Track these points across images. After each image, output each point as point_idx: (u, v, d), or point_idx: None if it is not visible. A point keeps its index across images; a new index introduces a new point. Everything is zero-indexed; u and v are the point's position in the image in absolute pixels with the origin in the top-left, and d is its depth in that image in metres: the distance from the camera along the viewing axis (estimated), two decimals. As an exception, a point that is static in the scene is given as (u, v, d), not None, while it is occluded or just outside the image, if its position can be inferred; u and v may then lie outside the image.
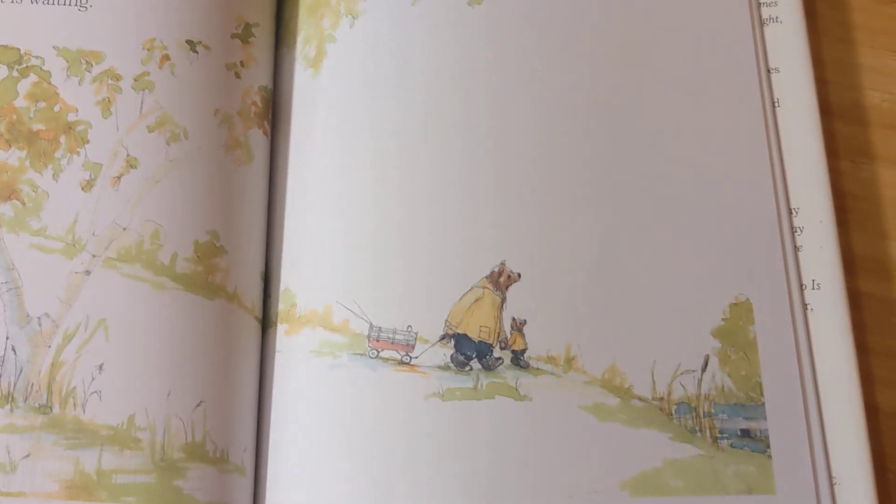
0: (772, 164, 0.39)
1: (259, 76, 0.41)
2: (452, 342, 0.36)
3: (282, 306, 0.38)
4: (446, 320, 0.36)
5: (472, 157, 0.38)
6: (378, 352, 0.36)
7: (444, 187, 0.38)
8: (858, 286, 0.40)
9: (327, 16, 0.41)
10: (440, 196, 0.38)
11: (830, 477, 0.35)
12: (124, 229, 0.37)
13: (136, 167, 0.37)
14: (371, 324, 0.36)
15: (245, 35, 0.41)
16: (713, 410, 0.35)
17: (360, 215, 0.38)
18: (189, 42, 0.39)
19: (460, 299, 0.36)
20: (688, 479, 0.34)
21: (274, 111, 0.42)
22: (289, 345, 0.37)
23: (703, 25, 0.41)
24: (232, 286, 0.37)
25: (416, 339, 0.36)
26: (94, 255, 0.36)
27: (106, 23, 0.39)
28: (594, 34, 0.40)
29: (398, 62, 0.40)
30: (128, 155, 0.38)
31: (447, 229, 0.37)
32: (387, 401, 0.35)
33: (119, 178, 0.37)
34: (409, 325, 0.36)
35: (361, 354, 0.36)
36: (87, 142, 0.38)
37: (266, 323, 0.38)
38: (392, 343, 0.36)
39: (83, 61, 0.39)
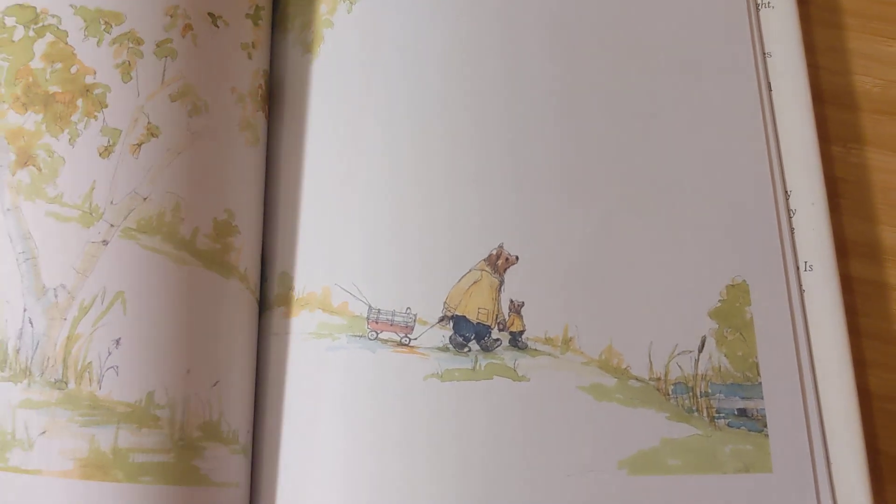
0: (768, 146, 0.39)
1: (264, 59, 0.41)
2: (451, 324, 0.36)
3: (279, 289, 0.38)
4: (445, 302, 0.36)
5: (471, 140, 0.38)
6: (377, 333, 0.36)
7: (443, 171, 0.38)
8: (849, 270, 0.41)
9: (324, 1, 0.41)
10: (438, 179, 0.38)
11: (827, 455, 0.35)
12: (145, 199, 0.36)
13: (157, 136, 0.36)
14: (370, 306, 0.36)
15: (255, 17, 0.41)
16: (710, 390, 0.36)
17: (357, 199, 0.38)
18: (211, 15, 0.39)
19: (459, 281, 0.36)
20: (685, 458, 0.35)
21: (271, 94, 0.42)
22: (286, 327, 0.37)
23: (700, 7, 0.41)
24: (243, 266, 0.37)
25: (415, 320, 0.36)
26: (112, 225, 0.35)
27: None
28: (594, 18, 0.41)
29: (396, 47, 0.40)
30: (149, 122, 0.36)
31: (445, 212, 0.37)
32: (386, 382, 0.35)
33: (139, 145, 0.36)
34: (408, 307, 0.36)
35: (361, 336, 0.36)
36: (106, 106, 0.36)
37: (263, 305, 0.38)
38: (391, 325, 0.36)
39: (102, 21, 0.37)
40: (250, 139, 0.39)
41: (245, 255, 0.37)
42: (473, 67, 0.40)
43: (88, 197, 0.35)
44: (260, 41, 0.41)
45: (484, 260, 0.37)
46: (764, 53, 0.41)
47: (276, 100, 0.42)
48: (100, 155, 0.36)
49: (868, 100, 0.43)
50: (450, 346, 0.36)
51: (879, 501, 0.36)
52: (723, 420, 0.35)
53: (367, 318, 0.36)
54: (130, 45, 0.37)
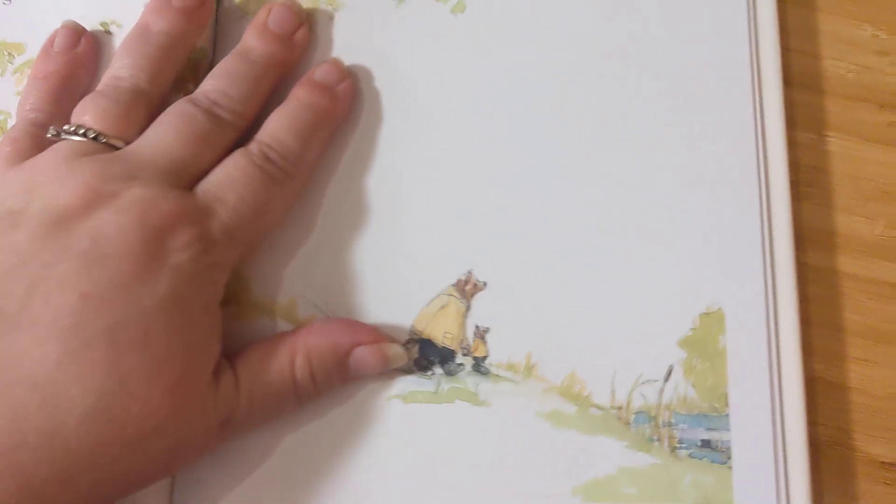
0: (759, 165, 0.38)
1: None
2: (417, 347, 0.37)
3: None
4: (412, 325, 0.37)
5: (444, 164, 0.39)
6: (343, 352, 0.37)
7: (415, 195, 0.39)
8: (837, 265, 0.40)
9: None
10: (410, 203, 0.39)
11: (788, 487, 0.34)
12: None
13: None
14: (337, 323, 0.37)
15: None
16: (673, 420, 0.36)
17: (330, 215, 0.39)
18: (103, 24, 0.40)
19: (427, 305, 0.37)
20: (641, 487, 0.35)
21: None
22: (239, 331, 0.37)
23: (696, 26, 0.40)
24: None
25: (381, 341, 0.37)
26: None
27: (27, 15, 0.40)
28: (575, 42, 0.40)
29: (369, 61, 0.41)
30: None
31: (416, 236, 0.38)
32: (349, 401, 0.36)
33: None
34: (376, 328, 0.37)
35: (326, 354, 0.37)
36: (5, 131, 0.38)
37: None
38: (358, 344, 0.37)
39: (6, 53, 0.40)
40: None
41: None
42: (448, 92, 0.40)
43: None
44: None
45: (453, 285, 0.37)
46: (760, 77, 0.40)
47: None
48: None
49: (841, 85, 0.42)
50: (414, 368, 0.37)
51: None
52: (685, 451, 0.35)
53: (335, 337, 0.37)
54: (29, 72, 0.39)
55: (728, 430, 0.35)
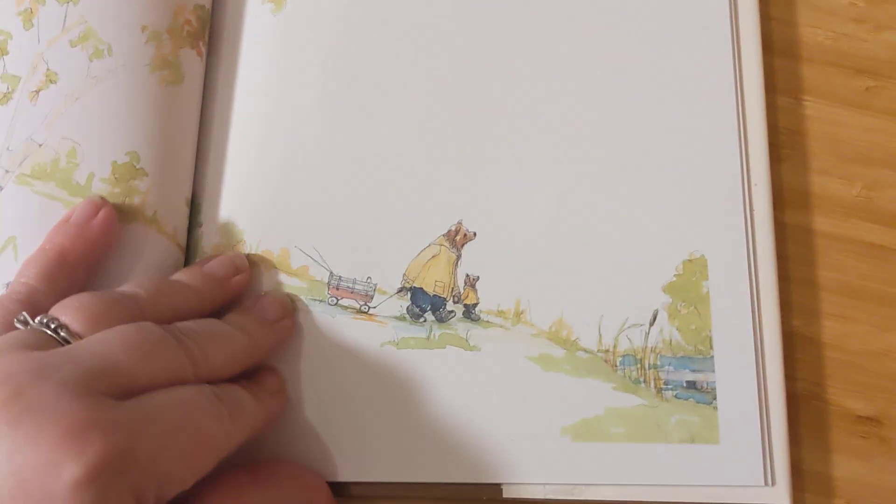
0: (738, 119, 0.39)
1: None
2: (409, 295, 0.38)
3: (222, 239, 0.39)
4: (404, 274, 0.38)
5: (437, 115, 0.40)
6: (337, 300, 0.38)
7: (407, 146, 0.39)
8: (785, 219, 0.41)
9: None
10: (403, 154, 0.39)
11: (769, 427, 0.35)
12: (40, 146, 0.36)
13: (55, 82, 0.37)
14: (331, 272, 0.38)
15: None
16: (659, 363, 0.37)
17: (325, 164, 0.39)
18: None
19: (418, 255, 0.38)
20: (629, 427, 0.36)
21: (214, 34, 0.41)
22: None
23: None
24: (151, 210, 0.37)
25: (374, 289, 0.38)
26: (7, 171, 0.36)
27: None
28: (563, 8, 0.41)
29: (368, 16, 0.41)
30: (48, 69, 0.37)
31: (408, 187, 0.39)
32: (344, 347, 0.37)
33: (38, 92, 0.37)
34: (369, 277, 0.38)
35: (321, 301, 0.38)
36: (7, 53, 0.37)
37: (196, 253, 0.39)
38: (352, 292, 0.38)
39: None
40: (169, 78, 0.38)
41: (155, 198, 0.37)
42: (442, 41, 0.41)
43: None
44: None
45: (443, 235, 0.38)
46: (739, 43, 0.41)
47: (220, 40, 0.42)
48: None
49: (819, 52, 0.43)
50: (407, 315, 0.37)
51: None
52: (670, 392, 0.36)
53: (328, 284, 0.38)
54: None
55: (713, 371, 0.36)
